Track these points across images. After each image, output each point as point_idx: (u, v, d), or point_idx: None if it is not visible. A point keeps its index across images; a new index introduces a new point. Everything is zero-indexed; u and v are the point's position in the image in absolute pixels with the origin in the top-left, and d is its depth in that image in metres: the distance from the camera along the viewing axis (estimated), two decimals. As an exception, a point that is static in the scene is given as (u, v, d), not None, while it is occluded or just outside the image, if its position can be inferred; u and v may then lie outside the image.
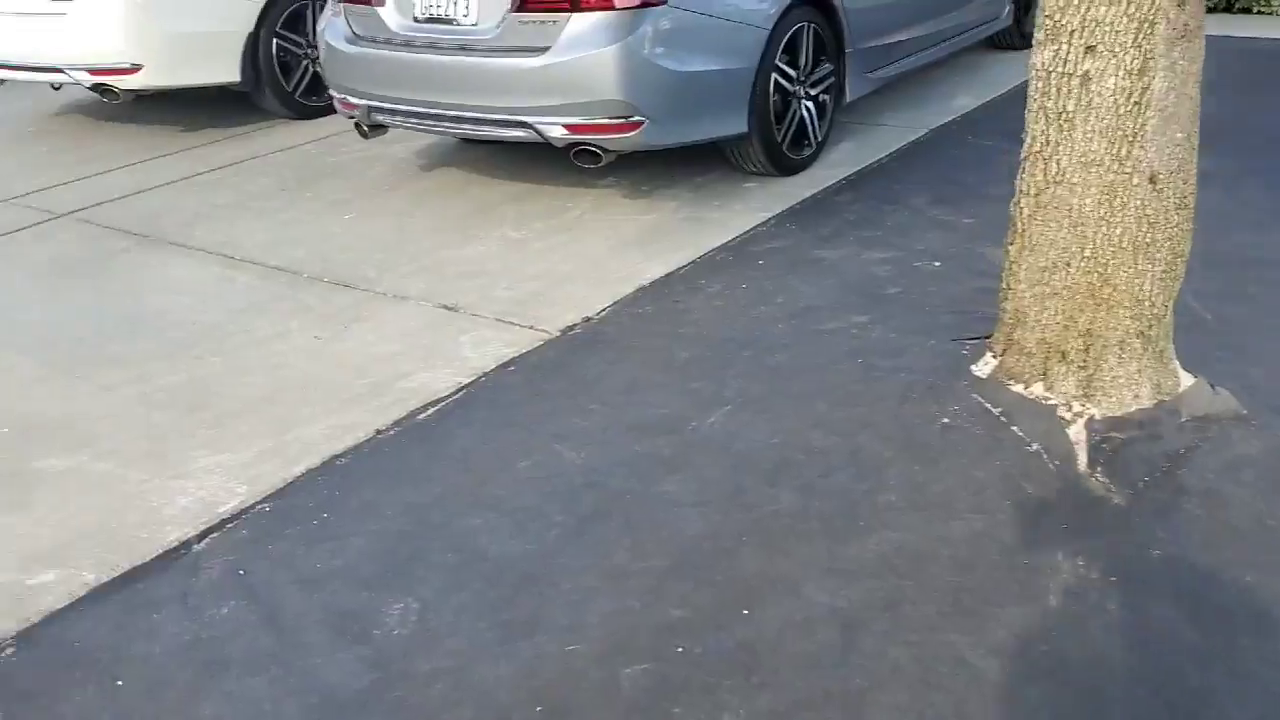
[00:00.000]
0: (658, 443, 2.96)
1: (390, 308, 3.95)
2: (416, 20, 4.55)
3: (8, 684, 2.26)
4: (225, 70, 6.04)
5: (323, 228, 4.76)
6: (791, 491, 2.71)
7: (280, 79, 6.21)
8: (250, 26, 6.01)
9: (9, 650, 2.35)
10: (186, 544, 2.68)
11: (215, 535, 2.70)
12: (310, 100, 6.38)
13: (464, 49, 4.42)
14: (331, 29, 4.87)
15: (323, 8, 6.25)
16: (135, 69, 5.78)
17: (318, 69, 6.37)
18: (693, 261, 4.14)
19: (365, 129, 4.96)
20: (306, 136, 6.14)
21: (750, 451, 2.90)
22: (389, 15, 4.61)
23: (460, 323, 3.79)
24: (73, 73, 5.83)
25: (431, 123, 4.65)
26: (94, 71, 5.81)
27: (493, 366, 3.46)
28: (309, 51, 6.30)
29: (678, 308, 3.78)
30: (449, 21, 4.46)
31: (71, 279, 4.37)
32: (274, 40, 6.12)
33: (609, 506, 2.71)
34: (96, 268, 4.47)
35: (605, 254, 4.29)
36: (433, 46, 4.50)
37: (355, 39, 4.76)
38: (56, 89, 6.67)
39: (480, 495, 2.80)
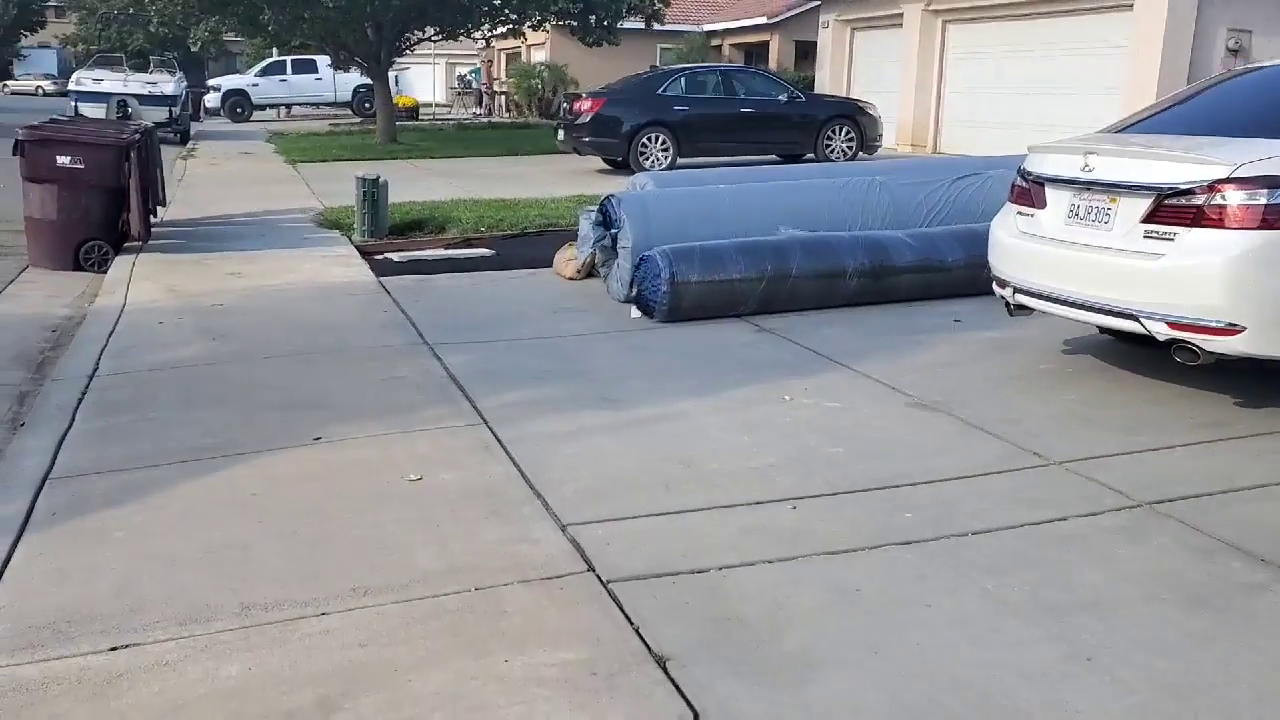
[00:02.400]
0: None
1: None
2: None
3: None
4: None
5: None
6: None
7: None
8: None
9: None
10: None
11: None
12: None
13: None
14: None
15: None
16: (1232, 330, 4.69)
17: None
18: None
19: None
20: None
21: None
22: None
23: None
24: (1149, 322, 4.94)
25: None
26: (1175, 325, 4.85)
27: None
28: None
29: None
30: None
31: (1206, 619, 3.26)
32: None
33: None
34: (1233, 608, 3.32)
35: None
36: None
37: None
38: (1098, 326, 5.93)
39: None
